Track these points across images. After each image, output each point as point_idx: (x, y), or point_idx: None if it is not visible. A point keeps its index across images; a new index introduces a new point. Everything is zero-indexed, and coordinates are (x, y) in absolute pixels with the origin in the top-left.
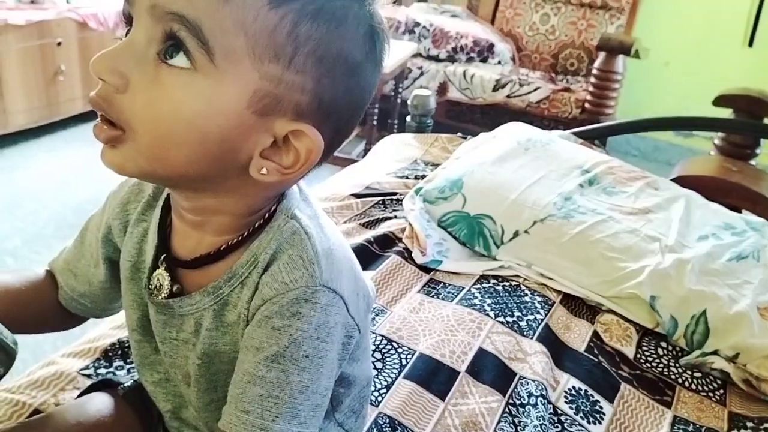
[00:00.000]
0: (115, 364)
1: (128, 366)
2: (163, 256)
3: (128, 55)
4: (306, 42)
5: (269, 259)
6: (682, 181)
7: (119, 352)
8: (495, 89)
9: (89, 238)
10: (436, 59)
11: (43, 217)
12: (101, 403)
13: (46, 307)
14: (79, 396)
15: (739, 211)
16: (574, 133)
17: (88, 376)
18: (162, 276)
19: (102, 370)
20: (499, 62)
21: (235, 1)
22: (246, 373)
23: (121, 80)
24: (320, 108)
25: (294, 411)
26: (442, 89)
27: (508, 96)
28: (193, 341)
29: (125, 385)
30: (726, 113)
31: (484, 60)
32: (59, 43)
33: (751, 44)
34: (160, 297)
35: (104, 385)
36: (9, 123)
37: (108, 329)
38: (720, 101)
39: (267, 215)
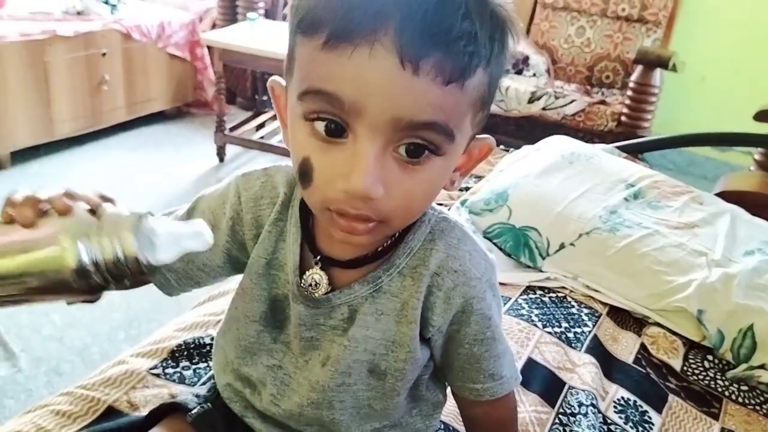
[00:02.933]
0: (182, 364)
1: (194, 366)
2: (318, 258)
3: (377, 167)
4: (495, 82)
5: (429, 250)
6: (726, 196)
7: (185, 353)
8: (530, 101)
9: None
10: None
11: None
12: None
13: None
14: (147, 416)
15: None
16: (618, 147)
17: (157, 375)
18: (319, 275)
19: (170, 370)
20: (534, 74)
21: (469, 87)
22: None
23: (383, 189)
24: (485, 117)
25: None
26: None
27: (544, 108)
28: (343, 326)
29: (193, 412)
30: (766, 128)
31: (519, 72)
32: (104, 54)
33: None
34: (317, 294)
35: (171, 408)
36: (55, 131)
37: (173, 331)
38: (761, 116)
39: None
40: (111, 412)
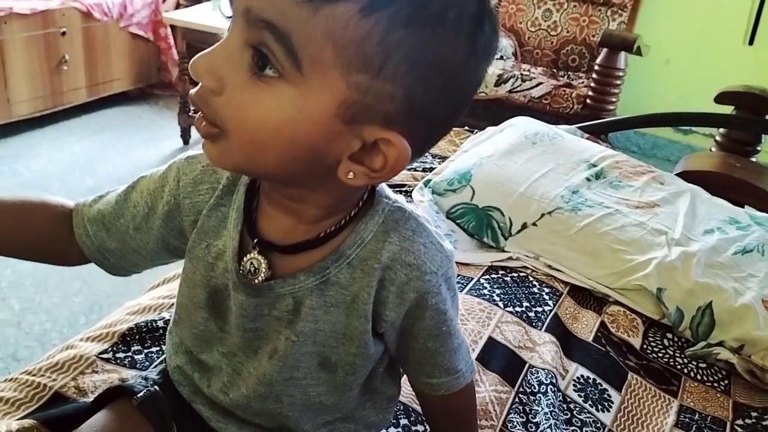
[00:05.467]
0: (133, 348)
1: (146, 350)
2: (255, 241)
3: (225, 58)
4: (397, 50)
5: (382, 243)
6: (687, 176)
7: (137, 337)
8: (497, 84)
9: (135, 199)
10: None
11: None
12: (116, 422)
13: (57, 242)
14: (94, 401)
15: (743, 207)
16: (579, 128)
17: (107, 360)
18: (257, 260)
19: (120, 354)
20: (501, 57)
21: (324, 11)
22: (432, 350)
23: (217, 83)
24: (412, 114)
25: (466, 345)
26: None
27: (510, 91)
28: (288, 318)
29: (139, 395)
30: (727, 110)
31: None
32: (63, 33)
33: (751, 43)
34: (257, 280)
35: (117, 393)
36: (13, 112)
37: (125, 315)
38: (722, 98)
39: (361, 202)
40: (58, 398)
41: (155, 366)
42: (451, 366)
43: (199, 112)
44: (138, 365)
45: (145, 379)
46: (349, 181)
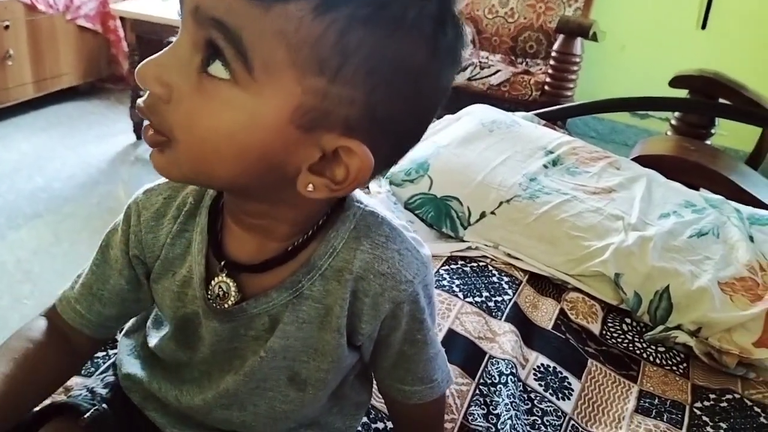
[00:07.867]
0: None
1: (112, 355)
2: (222, 263)
3: (172, 64)
4: (355, 52)
5: (354, 251)
6: (643, 160)
7: None
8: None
9: (115, 255)
10: None
11: None
12: None
13: (66, 354)
14: (34, 415)
15: (698, 189)
16: (536, 115)
17: None
18: (226, 283)
19: None
20: None
21: (276, 9)
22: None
23: (165, 90)
24: (374, 121)
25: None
26: None
27: (469, 79)
28: (266, 337)
29: (87, 416)
30: (681, 94)
31: None
32: (6, 27)
33: (704, 27)
34: (227, 304)
35: (63, 409)
36: None
37: None
38: (676, 82)
39: (330, 208)
40: None
41: (100, 374)
42: (425, 375)
43: (146, 121)
44: (83, 371)
45: (92, 393)
46: (308, 194)
